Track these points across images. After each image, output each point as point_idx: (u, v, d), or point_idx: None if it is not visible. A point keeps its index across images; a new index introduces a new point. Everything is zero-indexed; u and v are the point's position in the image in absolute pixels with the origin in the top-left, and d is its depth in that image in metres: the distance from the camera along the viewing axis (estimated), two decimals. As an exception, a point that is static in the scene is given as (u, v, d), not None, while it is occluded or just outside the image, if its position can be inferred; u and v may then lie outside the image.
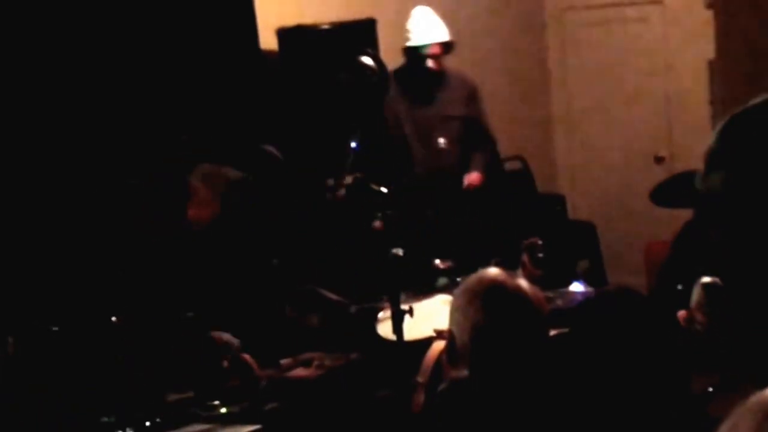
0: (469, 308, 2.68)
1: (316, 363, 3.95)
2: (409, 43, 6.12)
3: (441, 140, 6.07)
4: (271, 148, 4.75)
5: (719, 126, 1.49)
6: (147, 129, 5.00)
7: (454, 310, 2.74)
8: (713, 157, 1.48)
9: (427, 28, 6.06)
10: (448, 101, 6.15)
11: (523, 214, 6.77)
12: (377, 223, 5.93)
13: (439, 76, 6.14)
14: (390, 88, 5.99)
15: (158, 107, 5.09)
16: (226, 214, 4.10)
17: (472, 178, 6.14)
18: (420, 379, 3.52)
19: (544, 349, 2.76)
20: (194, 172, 4.19)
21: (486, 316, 2.67)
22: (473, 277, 2.79)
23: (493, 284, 2.72)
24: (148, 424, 3.56)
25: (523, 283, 2.74)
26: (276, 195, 4.69)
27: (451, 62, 6.32)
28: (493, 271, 2.77)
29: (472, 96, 6.25)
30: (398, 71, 6.15)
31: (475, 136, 6.23)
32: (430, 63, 6.06)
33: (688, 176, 1.57)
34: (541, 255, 4.85)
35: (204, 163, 4.25)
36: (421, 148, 6.11)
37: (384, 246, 3.74)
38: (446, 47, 6.12)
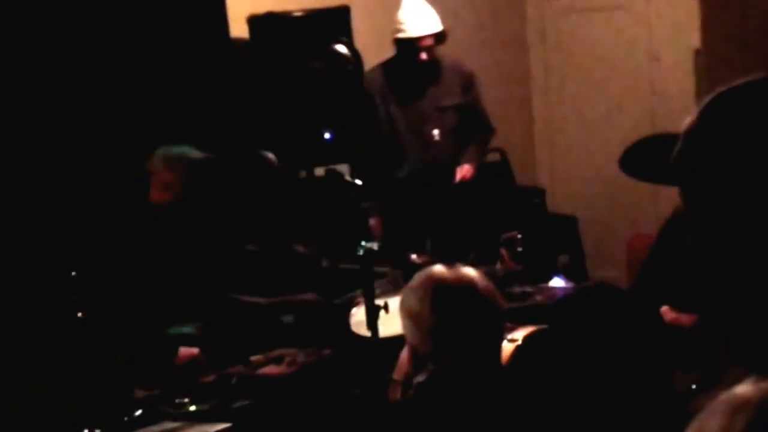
0: (420, 314, 2.61)
1: (287, 360, 3.90)
2: (402, 35, 5.86)
3: (435, 132, 5.88)
4: (270, 155, 4.67)
5: (702, 102, 1.42)
6: (114, 118, 4.91)
7: (405, 317, 2.66)
8: (693, 134, 1.41)
9: (420, 19, 5.82)
10: (443, 92, 5.96)
11: (501, 208, 6.69)
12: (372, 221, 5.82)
13: (432, 67, 5.93)
14: (378, 79, 5.87)
15: (125, 96, 5.00)
16: (189, 196, 4.05)
17: (465, 171, 5.99)
18: (396, 376, 3.45)
19: (502, 337, 2.70)
20: (154, 155, 4.14)
21: (438, 319, 2.60)
22: (416, 280, 2.71)
23: (437, 284, 2.65)
24: (116, 422, 3.50)
25: (466, 273, 2.67)
26: (270, 201, 4.63)
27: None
28: (436, 269, 2.69)
29: (468, 84, 6.07)
30: (388, 64, 6.00)
31: (470, 124, 6.09)
32: (423, 56, 5.83)
33: (659, 142, 1.49)
34: (520, 249, 4.80)
35: (163, 146, 4.19)
36: (414, 142, 5.96)
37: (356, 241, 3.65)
38: (439, 37, 5.89)
